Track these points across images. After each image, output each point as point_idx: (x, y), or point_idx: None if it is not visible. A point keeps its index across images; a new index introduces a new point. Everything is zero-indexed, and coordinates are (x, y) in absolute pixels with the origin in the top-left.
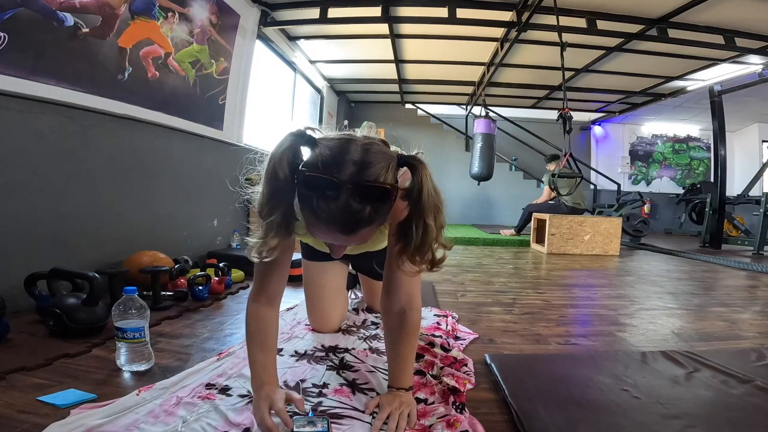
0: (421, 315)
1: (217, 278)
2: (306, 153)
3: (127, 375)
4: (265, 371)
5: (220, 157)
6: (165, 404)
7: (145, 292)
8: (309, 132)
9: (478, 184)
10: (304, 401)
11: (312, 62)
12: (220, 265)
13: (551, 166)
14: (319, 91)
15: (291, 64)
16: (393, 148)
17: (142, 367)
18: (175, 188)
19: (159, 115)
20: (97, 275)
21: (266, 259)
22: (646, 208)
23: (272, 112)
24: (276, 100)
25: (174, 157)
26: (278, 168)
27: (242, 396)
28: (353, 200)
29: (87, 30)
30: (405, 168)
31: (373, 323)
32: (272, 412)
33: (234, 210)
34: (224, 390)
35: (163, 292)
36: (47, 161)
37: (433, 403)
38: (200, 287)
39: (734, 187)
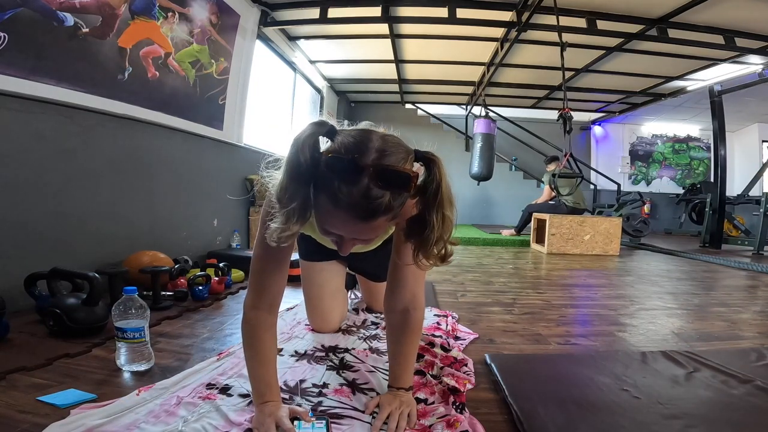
0: (424, 315)
1: (217, 278)
2: (324, 142)
3: (127, 375)
4: (267, 386)
5: (220, 157)
6: (165, 404)
7: (145, 292)
8: (329, 122)
9: (478, 184)
10: (305, 402)
11: (312, 62)
12: (220, 265)
13: (551, 167)
14: (319, 91)
15: (291, 64)
16: None
17: (142, 367)
18: (175, 188)
19: (159, 115)
20: (97, 275)
21: (284, 245)
22: (646, 208)
23: (272, 112)
24: (276, 100)
25: (174, 157)
26: (300, 154)
27: (243, 396)
28: (374, 184)
29: (87, 30)
30: (418, 164)
31: (373, 323)
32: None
33: (234, 210)
34: (225, 390)
35: (163, 292)
36: (47, 161)
37: (433, 403)
38: (200, 287)
39: (734, 187)
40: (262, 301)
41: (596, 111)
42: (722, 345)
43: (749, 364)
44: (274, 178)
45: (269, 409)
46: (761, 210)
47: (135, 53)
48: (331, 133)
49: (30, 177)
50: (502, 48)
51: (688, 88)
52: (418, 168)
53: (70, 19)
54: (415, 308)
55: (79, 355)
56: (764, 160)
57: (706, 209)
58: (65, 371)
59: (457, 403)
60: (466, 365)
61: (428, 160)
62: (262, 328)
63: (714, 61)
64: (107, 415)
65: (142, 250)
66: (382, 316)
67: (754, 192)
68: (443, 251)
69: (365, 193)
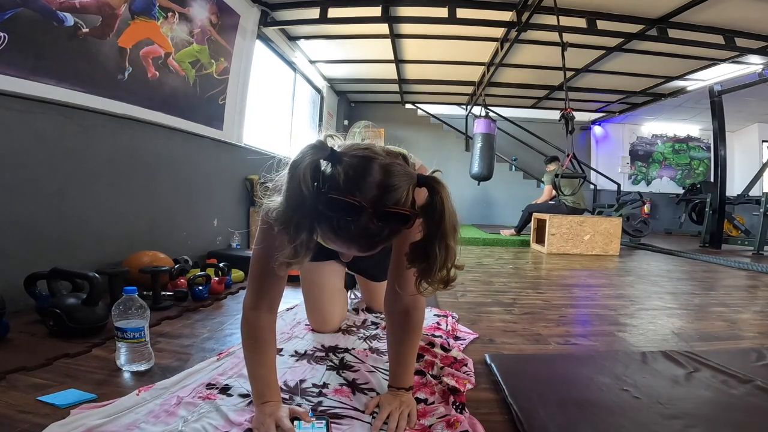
0: (425, 315)
1: (217, 278)
2: (325, 164)
3: (127, 375)
4: (267, 386)
5: (220, 157)
6: (165, 404)
7: (145, 292)
8: (329, 141)
9: (478, 184)
10: (305, 402)
11: (312, 62)
12: (220, 265)
13: (551, 167)
14: (319, 91)
15: (291, 64)
16: (411, 160)
17: (142, 367)
18: (175, 188)
19: (159, 115)
20: (97, 275)
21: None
22: (646, 208)
23: (272, 112)
24: (276, 100)
25: (174, 157)
26: (303, 184)
27: (243, 396)
28: (373, 224)
29: (87, 30)
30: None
31: (373, 323)
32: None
33: (234, 210)
34: (225, 390)
35: (163, 292)
36: (47, 161)
37: (433, 403)
38: (200, 287)
39: (734, 187)
40: (261, 302)
41: (596, 111)
42: (722, 345)
43: (749, 364)
44: (275, 202)
45: (269, 409)
46: (761, 210)
47: (135, 53)
48: (331, 158)
49: (30, 177)
50: (502, 48)
51: (688, 88)
52: (419, 192)
53: (70, 19)
54: (415, 308)
55: (79, 355)
56: (764, 160)
57: (706, 209)
58: (65, 371)
59: (457, 403)
60: (466, 365)
61: (431, 186)
62: (261, 329)
63: (714, 61)
64: (107, 415)
65: (142, 250)
66: (382, 316)
67: (754, 192)
68: (446, 277)
69: (365, 230)
